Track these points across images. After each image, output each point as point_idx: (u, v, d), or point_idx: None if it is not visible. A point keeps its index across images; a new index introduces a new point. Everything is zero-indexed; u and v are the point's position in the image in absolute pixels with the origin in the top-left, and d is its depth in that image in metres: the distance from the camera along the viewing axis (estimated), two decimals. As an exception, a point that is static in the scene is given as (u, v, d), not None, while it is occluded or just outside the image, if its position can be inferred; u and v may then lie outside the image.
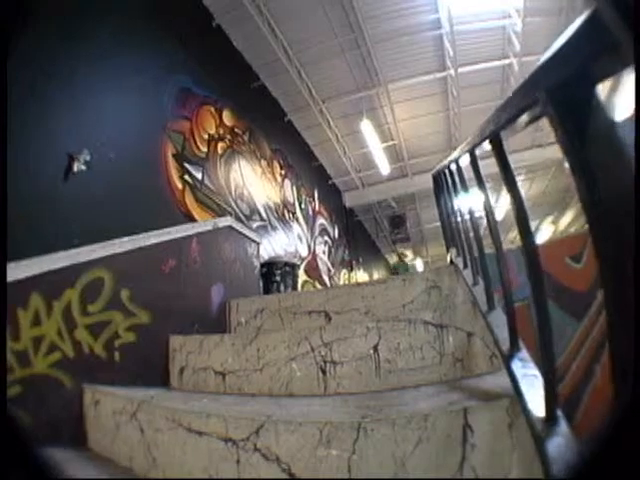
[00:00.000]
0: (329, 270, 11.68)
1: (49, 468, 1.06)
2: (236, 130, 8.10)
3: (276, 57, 8.46)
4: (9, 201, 3.44)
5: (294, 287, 6.73)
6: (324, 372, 2.76)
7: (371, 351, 2.67)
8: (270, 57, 8.49)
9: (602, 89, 0.98)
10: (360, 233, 15.55)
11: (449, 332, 2.60)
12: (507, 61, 9.51)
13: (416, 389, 2.35)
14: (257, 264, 5.72)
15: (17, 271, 2.86)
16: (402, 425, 1.64)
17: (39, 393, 2.86)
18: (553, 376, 1.29)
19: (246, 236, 5.44)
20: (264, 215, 8.54)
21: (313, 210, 11.45)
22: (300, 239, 10.27)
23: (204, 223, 5.03)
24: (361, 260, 14.88)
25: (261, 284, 6.09)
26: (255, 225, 7.96)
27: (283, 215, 9.57)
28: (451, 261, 3.97)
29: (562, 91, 1.03)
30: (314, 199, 11.71)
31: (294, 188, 10.47)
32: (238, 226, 5.34)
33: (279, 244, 8.94)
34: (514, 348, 1.68)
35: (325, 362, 2.78)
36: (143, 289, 3.68)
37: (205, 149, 6.84)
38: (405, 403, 2.04)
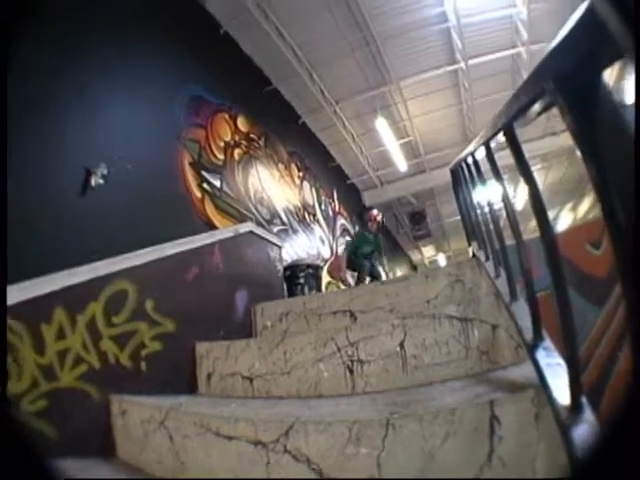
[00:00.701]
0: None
1: (50, 468, 1.07)
2: (252, 136, 8.16)
3: (286, 60, 8.49)
4: (30, 218, 3.52)
5: (318, 289, 6.74)
6: (351, 371, 2.79)
7: (397, 348, 2.68)
8: (280, 60, 8.53)
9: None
10: (381, 232, 15.52)
11: (474, 325, 2.60)
12: (516, 50, 9.44)
13: (443, 384, 2.36)
14: (280, 267, 5.76)
15: (39, 286, 2.93)
16: (429, 420, 1.65)
17: (66, 406, 2.92)
18: (577, 364, 1.29)
19: (268, 240, 5.47)
20: (285, 219, 8.59)
21: (333, 211, 11.46)
22: (322, 241, 10.30)
23: (225, 230, 5.06)
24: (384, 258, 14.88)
25: (285, 287, 6.10)
26: (276, 229, 8.01)
27: (304, 218, 9.61)
28: (473, 254, 3.95)
29: (569, 79, 1.03)
30: (334, 200, 11.72)
31: (313, 190, 10.49)
32: (259, 231, 5.37)
33: (301, 247, 8.96)
34: (538, 338, 1.68)
35: (352, 361, 2.80)
36: (167, 298, 3.71)
37: (222, 156, 6.89)
38: (432, 398, 2.05)
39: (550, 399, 1.37)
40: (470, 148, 3.05)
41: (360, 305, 3.91)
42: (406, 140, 11.98)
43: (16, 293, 2.79)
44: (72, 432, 2.83)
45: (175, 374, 3.57)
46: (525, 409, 1.54)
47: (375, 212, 8.23)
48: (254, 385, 3.15)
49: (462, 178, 3.70)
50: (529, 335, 1.74)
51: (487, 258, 3.19)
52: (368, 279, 7.68)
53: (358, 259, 7.87)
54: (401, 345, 2.68)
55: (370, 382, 2.68)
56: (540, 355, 1.58)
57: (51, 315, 2.98)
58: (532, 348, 1.65)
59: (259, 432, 1.99)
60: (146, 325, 3.51)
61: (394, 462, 1.62)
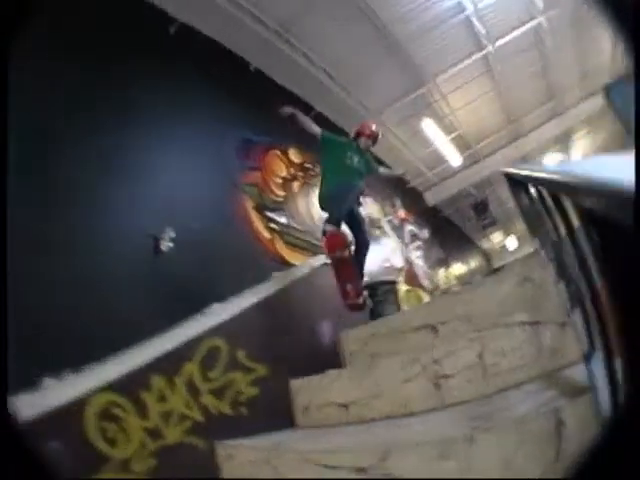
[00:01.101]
0: (427, 273, 11.55)
1: (48, 466, 1.17)
2: (306, 165, 8.18)
3: (320, 82, 8.56)
4: (110, 292, 3.67)
5: (397, 303, 6.80)
6: (438, 386, 3.00)
7: (477, 359, 2.88)
8: (315, 84, 8.58)
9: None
10: (449, 228, 15.29)
11: (545, 327, 2.76)
12: (536, 21, 9.28)
13: (518, 388, 2.53)
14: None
15: (133, 359, 3.27)
16: (505, 431, 1.84)
17: (175, 460, 3.21)
18: (614, 374, 1.41)
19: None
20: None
21: (399, 219, 11.38)
22: (393, 251, 10.27)
23: (300, 267, 5.40)
24: (456, 253, 14.71)
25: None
26: None
27: (371, 233, 9.53)
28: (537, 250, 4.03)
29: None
30: (398, 208, 11.69)
31: (375, 203, 10.45)
32: (332, 260, 5.54)
33: (374, 263, 8.78)
34: (591, 348, 1.79)
35: (437, 377, 3.02)
36: (257, 344, 4.00)
37: (282, 192, 6.93)
38: (508, 407, 2.23)
39: (598, 406, 1.53)
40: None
41: (439, 317, 4.06)
42: (455, 134, 11.93)
43: (113, 369, 3.16)
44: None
45: (274, 413, 3.80)
46: (585, 413, 1.69)
47: (374, 126, 5.51)
48: (349, 411, 3.39)
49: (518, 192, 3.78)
50: (585, 344, 1.87)
51: (549, 260, 3.27)
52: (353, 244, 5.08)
53: (336, 190, 4.87)
54: (480, 356, 2.87)
55: (455, 394, 2.88)
56: (594, 366, 1.71)
57: (149, 383, 3.30)
58: (587, 358, 1.80)
59: (358, 459, 2.23)
60: (241, 374, 3.80)
61: (476, 471, 1.82)
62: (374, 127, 5.41)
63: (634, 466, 0.79)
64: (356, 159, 5.04)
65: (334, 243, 4.66)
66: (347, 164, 4.95)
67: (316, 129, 4.94)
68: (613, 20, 1.17)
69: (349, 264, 4.74)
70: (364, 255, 5.10)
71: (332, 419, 3.48)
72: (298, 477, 2.55)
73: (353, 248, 4.94)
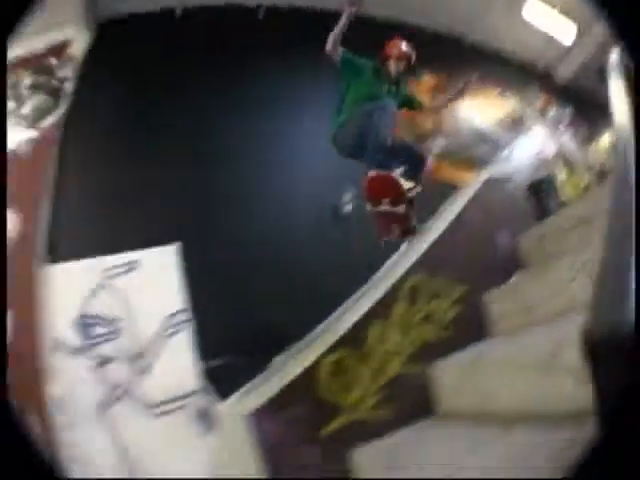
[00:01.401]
0: (579, 153, 10.90)
1: (48, 466, 1.15)
2: (442, 84, 7.83)
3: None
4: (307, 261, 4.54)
5: (558, 195, 7.10)
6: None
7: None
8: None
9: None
10: (588, 101, 14.36)
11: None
12: None
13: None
14: (521, 195, 6.30)
15: (352, 314, 3.86)
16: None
17: (396, 390, 3.77)
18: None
19: (503, 179, 6.22)
20: (502, 143, 8.65)
21: (541, 107, 10.99)
22: (543, 142, 10.03)
23: (468, 189, 5.73)
24: (601, 125, 13.78)
25: (534, 205, 6.54)
26: (502, 154, 8.14)
27: (518, 131, 9.48)
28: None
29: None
30: (533, 97, 11.23)
31: (514, 99, 10.08)
32: (494, 173, 6.14)
33: (528, 161, 8.67)
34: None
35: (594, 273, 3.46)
36: (452, 268, 4.44)
37: (429, 120, 7.16)
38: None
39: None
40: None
41: (595, 210, 4.20)
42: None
43: (334, 328, 3.78)
44: (404, 409, 3.74)
45: (473, 327, 4.22)
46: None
47: (403, 45, 4.10)
48: (532, 316, 3.85)
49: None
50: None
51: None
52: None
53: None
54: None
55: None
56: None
57: (367, 330, 3.92)
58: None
59: (540, 357, 2.77)
60: (441, 299, 4.28)
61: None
62: (404, 46, 4.11)
63: (634, 465, 0.82)
64: (384, 86, 4.07)
65: (377, 189, 3.82)
66: (372, 92, 3.98)
67: (338, 47, 3.91)
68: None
69: (404, 217, 3.95)
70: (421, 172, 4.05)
71: (520, 325, 3.88)
72: (499, 382, 3.08)
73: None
